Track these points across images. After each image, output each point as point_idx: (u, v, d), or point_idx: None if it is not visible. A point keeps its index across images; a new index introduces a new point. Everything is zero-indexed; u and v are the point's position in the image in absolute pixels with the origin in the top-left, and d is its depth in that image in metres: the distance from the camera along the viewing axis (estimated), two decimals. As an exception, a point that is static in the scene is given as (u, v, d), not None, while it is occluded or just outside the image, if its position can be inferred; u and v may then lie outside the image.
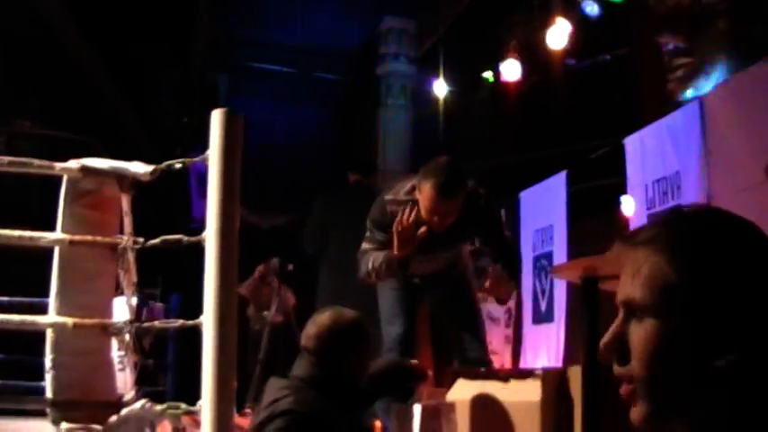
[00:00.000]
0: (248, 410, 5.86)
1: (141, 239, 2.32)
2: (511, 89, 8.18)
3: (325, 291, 5.36)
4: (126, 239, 2.35)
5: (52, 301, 2.40)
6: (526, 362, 6.85)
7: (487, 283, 3.96)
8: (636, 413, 1.14)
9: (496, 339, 7.32)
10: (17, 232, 2.36)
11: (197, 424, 2.05)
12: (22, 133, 7.02)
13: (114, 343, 2.49)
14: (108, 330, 2.39)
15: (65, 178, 2.44)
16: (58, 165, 2.43)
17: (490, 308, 7.00)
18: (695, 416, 1.11)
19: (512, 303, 7.05)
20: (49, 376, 2.35)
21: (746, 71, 5.20)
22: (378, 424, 4.00)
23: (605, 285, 3.12)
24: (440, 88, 8.99)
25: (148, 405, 2.07)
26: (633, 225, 6.07)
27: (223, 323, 1.79)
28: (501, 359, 7.18)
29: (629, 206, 6.12)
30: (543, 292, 6.94)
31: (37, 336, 2.43)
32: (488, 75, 8.89)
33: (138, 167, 2.29)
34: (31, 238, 2.35)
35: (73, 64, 7.79)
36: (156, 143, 8.56)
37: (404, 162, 9.63)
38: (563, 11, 7.02)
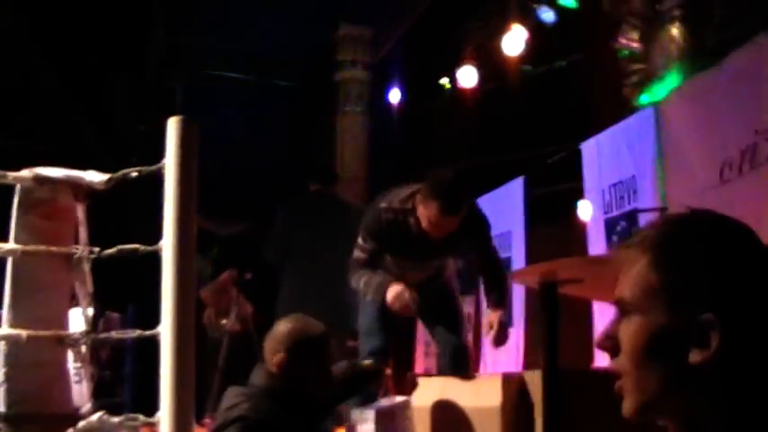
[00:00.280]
0: (208, 420, 5.81)
1: (97, 249, 2.28)
2: (468, 95, 8.21)
3: (287, 300, 5.33)
4: (81, 249, 2.31)
5: (5, 312, 2.35)
6: (486, 367, 6.86)
7: (488, 335, 4.03)
8: (625, 407, 1.19)
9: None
10: (-31, 243, 2.32)
11: (156, 436, 2.02)
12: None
13: (70, 355, 2.45)
14: (63, 342, 2.35)
15: (18, 187, 2.40)
16: (11, 174, 2.39)
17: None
18: (680, 409, 1.15)
19: (471, 309, 7.07)
20: (1, 389, 2.30)
21: (700, 76, 5.26)
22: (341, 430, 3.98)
23: (564, 290, 3.13)
24: (397, 95, 9.01)
25: (105, 417, 2.04)
26: (590, 229, 6.12)
27: (181, 333, 1.77)
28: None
29: (585, 211, 6.16)
30: (503, 297, 6.96)
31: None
32: (445, 81, 8.92)
33: (94, 176, 2.25)
34: (-18, 249, 2.31)
35: (26, 72, 7.69)
36: (111, 152, 8.48)
37: (362, 169, 9.62)
38: (519, 17, 7.06)
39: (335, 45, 9.80)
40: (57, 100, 8.13)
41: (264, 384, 2.90)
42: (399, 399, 3.61)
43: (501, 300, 4.16)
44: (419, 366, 4.78)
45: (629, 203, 5.60)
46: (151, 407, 1.91)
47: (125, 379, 6.83)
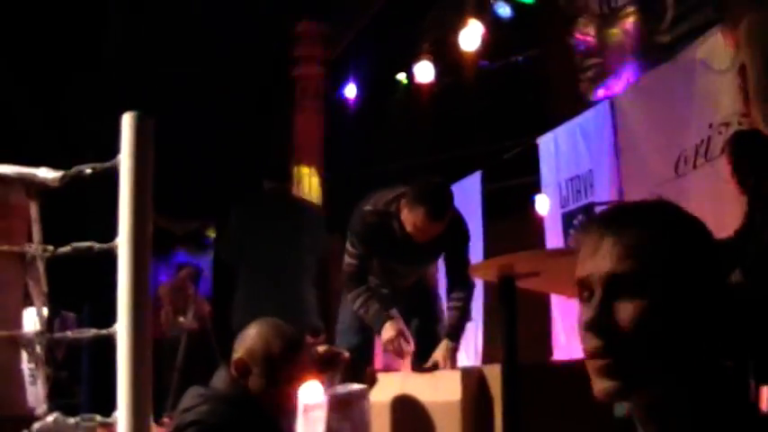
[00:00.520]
0: (166, 420, 5.76)
1: (51, 247, 2.25)
2: (424, 91, 8.22)
3: (243, 300, 5.29)
4: (35, 248, 2.28)
5: (-43, 313, 2.31)
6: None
7: (437, 361, 4.01)
8: (608, 387, 1.17)
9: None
10: None
11: (113, 436, 1.99)
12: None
13: (24, 355, 2.42)
14: (17, 342, 2.31)
15: (-32, 186, 2.36)
16: (-39, 172, 2.34)
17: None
18: (660, 389, 1.16)
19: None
20: (-46, 392, 2.27)
21: (655, 71, 5.32)
22: None
23: (522, 283, 3.14)
24: (353, 90, 9.00)
25: (61, 418, 2.00)
26: (547, 224, 6.16)
27: (138, 332, 1.74)
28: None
29: (543, 205, 6.21)
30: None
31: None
32: (402, 77, 8.93)
33: (47, 173, 2.22)
34: (-67, 249, 2.27)
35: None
36: (65, 149, 8.37)
37: (317, 165, 9.60)
38: (475, 12, 7.07)
39: (292, 41, 9.76)
40: (8, 97, 8.01)
41: (225, 388, 2.78)
42: (356, 386, 3.60)
43: (459, 324, 4.16)
44: (378, 362, 4.78)
45: (586, 197, 5.65)
46: (108, 407, 1.88)
47: (82, 379, 6.75)
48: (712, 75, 4.54)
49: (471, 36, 6.96)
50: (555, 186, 6.03)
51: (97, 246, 1.93)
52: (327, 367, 3.45)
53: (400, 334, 3.95)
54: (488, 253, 6.51)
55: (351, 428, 3.34)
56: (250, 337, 2.84)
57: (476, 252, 6.80)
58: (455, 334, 4.11)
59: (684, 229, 1.20)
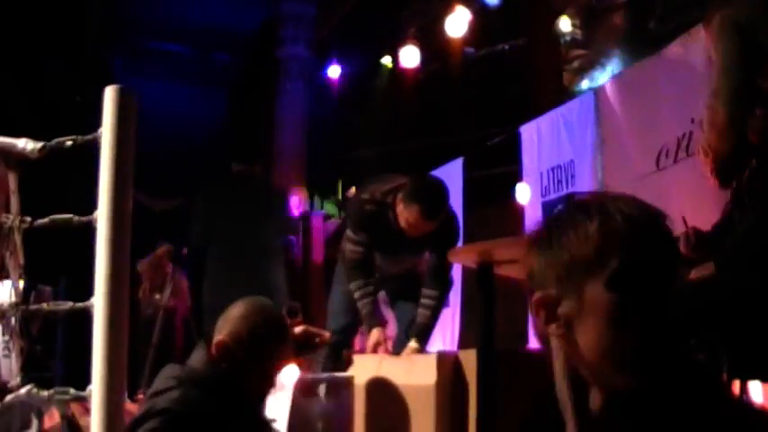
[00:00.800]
0: (141, 396, 5.76)
1: (29, 219, 2.23)
2: (409, 75, 8.21)
3: (213, 283, 5.30)
4: (12, 219, 2.26)
5: (-68, 283, 2.29)
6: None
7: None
8: None
9: (390, 324, 7.34)
10: None
11: (87, 411, 1.98)
12: None
13: (-1, 327, 2.40)
14: (-8, 314, 2.29)
15: (-54, 155, 2.33)
16: (-60, 141, 2.32)
17: (382, 294, 7.01)
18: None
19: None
20: (-72, 362, 2.25)
21: (640, 64, 5.33)
22: None
23: (500, 270, 3.15)
24: (336, 72, 8.98)
25: (35, 390, 1.99)
26: (527, 212, 6.17)
27: (114, 306, 1.73)
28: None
29: (524, 194, 6.22)
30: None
31: None
32: (387, 61, 8.91)
33: (27, 144, 2.20)
34: None
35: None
36: (46, 123, 8.31)
37: (300, 147, 9.58)
38: (463, -1, 7.07)
39: (278, 22, 9.72)
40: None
41: (203, 370, 2.64)
42: (342, 375, 3.61)
43: (428, 323, 4.17)
44: (356, 345, 4.81)
45: (567, 187, 5.67)
46: (83, 381, 1.87)
47: (56, 354, 6.72)
48: (695, 70, 4.56)
49: (458, 23, 6.95)
50: (536, 175, 6.04)
51: (76, 218, 1.92)
52: (304, 349, 3.42)
53: (383, 342, 3.99)
54: (468, 239, 6.52)
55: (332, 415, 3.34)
56: (235, 318, 2.70)
57: (455, 238, 6.83)
58: (423, 335, 4.12)
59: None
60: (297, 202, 8.79)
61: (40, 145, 2.08)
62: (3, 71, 8.06)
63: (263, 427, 2.85)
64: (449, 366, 3.41)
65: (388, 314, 4.72)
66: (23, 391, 1.96)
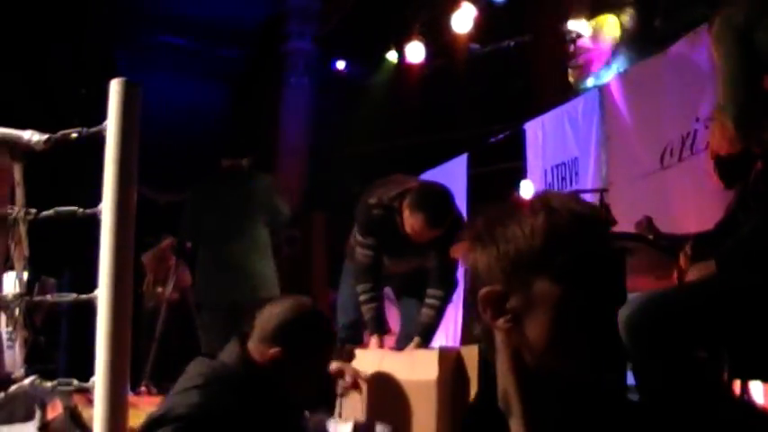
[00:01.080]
0: (143, 389, 5.77)
1: (34, 210, 2.24)
2: (414, 71, 8.21)
3: (200, 276, 5.36)
4: (17, 210, 2.27)
5: (-64, 273, 2.30)
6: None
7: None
8: None
9: (395, 320, 7.34)
10: None
11: (90, 402, 1.99)
12: None
13: (3, 318, 2.41)
14: (-4, 305, 2.30)
15: (-48, 147, 2.34)
16: (-54, 132, 2.33)
17: (388, 289, 7.02)
18: None
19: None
20: (-69, 352, 2.26)
21: (646, 62, 5.33)
22: None
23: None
24: (343, 68, 8.97)
25: (38, 381, 2.00)
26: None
27: (118, 298, 1.74)
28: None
29: (527, 191, 6.21)
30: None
31: None
32: (392, 56, 8.91)
33: (32, 136, 2.21)
34: None
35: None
36: (52, 115, 8.31)
37: (304, 141, 9.59)
38: (469, -5, 7.06)
39: (283, 16, 9.72)
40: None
41: (234, 368, 2.39)
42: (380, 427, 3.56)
43: (433, 323, 4.20)
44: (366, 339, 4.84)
45: (571, 184, 5.66)
46: (86, 373, 1.88)
47: (60, 346, 6.74)
48: (700, 69, 4.56)
49: (463, 18, 6.95)
50: (540, 172, 6.04)
51: (81, 210, 1.92)
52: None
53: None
54: (471, 236, 6.52)
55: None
56: (284, 320, 2.46)
57: (458, 235, 6.83)
58: (427, 334, 4.17)
59: None
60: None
61: (45, 137, 2.08)
62: (8, 65, 8.08)
63: None
64: (450, 362, 3.41)
65: (393, 311, 4.73)
66: (27, 381, 1.97)
